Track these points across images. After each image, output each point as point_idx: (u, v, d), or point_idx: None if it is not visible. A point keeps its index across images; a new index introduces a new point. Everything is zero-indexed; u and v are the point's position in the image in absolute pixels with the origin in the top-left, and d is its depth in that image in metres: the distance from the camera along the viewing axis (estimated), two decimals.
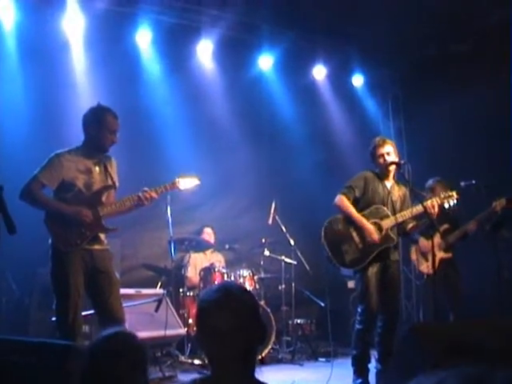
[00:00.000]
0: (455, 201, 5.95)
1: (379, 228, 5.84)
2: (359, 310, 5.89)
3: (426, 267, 7.27)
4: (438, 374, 0.92)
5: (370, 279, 5.80)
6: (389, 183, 6.05)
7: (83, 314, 5.18)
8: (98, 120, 5.17)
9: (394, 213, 5.92)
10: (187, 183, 5.47)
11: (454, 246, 7.44)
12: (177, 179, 5.41)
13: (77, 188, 5.10)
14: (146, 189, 5.25)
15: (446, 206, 5.93)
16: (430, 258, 7.29)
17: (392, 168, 5.96)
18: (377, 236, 5.80)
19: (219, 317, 2.14)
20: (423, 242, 7.18)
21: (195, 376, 6.62)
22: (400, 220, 5.87)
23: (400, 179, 6.15)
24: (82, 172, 5.14)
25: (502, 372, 0.88)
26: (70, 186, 5.09)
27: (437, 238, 7.23)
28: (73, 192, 5.09)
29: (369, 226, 5.82)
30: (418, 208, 5.75)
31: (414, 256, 7.47)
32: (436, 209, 5.77)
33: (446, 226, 7.42)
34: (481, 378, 0.87)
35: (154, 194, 5.26)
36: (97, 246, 5.16)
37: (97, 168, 5.24)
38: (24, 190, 5.03)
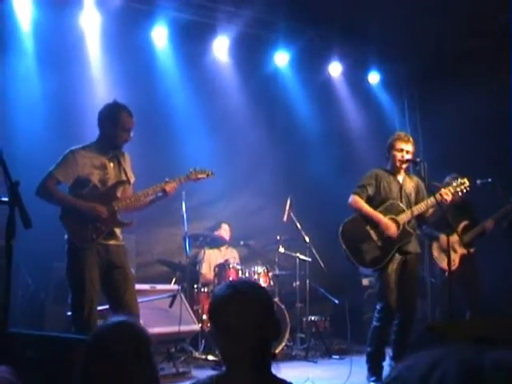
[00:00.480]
0: (468, 188, 5.94)
1: (396, 223, 5.83)
2: (378, 307, 5.87)
3: (446, 264, 7.22)
4: (432, 354, 0.92)
5: (390, 276, 5.78)
6: (400, 177, 6.05)
7: (98, 308, 5.21)
8: (112, 117, 5.21)
9: (410, 205, 5.93)
10: (201, 175, 5.57)
11: (474, 242, 7.41)
12: (192, 170, 5.50)
13: (92, 184, 5.14)
14: (167, 179, 5.31)
15: (460, 193, 5.92)
16: (451, 254, 7.29)
17: (405, 165, 5.97)
18: (395, 230, 5.79)
19: (227, 312, 2.16)
20: (444, 239, 7.14)
21: (211, 373, 6.63)
22: (416, 213, 5.86)
23: (415, 175, 6.15)
24: (96, 168, 5.18)
25: (491, 352, 0.89)
26: (85, 181, 5.13)
27: (456, 235, 7.22)
28: (88, 188, 5.13)
29: (386, 220, 5.81)
30: (433, 199, 5.75)
31: (435, 253, 7.43)
32: (450, 197, 5.77)
33: (465, 222, 7.39)
34: (474, 359, 0.88)
35: (176, 184, 5.34)
36: (112, 242, 5.20)
37: (111, 164, 5.28)
38: (40, 187, 5.08)
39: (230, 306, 2.17)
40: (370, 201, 5.96)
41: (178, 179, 5.44)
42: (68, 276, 5.09)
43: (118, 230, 5.28)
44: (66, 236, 5.08)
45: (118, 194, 5.27)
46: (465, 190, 5.97)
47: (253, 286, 2.27)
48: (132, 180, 5.43)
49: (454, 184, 5.92)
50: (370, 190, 5.97)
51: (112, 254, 5.17)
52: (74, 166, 5.11)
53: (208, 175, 5.65)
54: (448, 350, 0.91)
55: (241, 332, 2.12)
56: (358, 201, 5.93)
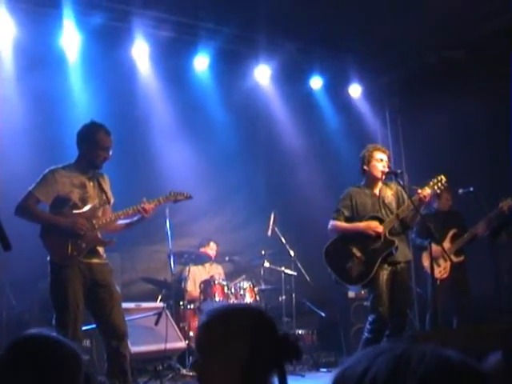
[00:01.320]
0: (445, 184, 5.97)
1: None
2: (370, 319, 5.87)
3: (437, 272, 7.24)
4: (366, 357, 0.97)
5: (381, 287, 5.80)
6: (377, 189, 6.07)
7: (84, 328, 5.18)
8: (90, 137, 5.25)
9: (392, 214, 5.95)
10: (180, 196, 5.61)
11: (464, 250, 7.45)
12: (171, 192, 5.55)
13: (72, 202, 5.14)
14: (144, 200, 5.32)
15: (438, 190, 5.97)
16: (441, 263, 7.31)
17: (384, 177, 5.99)
18: (378, 226, 5.81)
19: (197, 338, 2.16)
20: (434, 248, 7.17)
21: None
22: (401, 215, 5.88)
23: (391, 182, 6.17)
24: (76, 186, 5.19)
25: (417, 348, 0.95)
26: (65, 200, 5.13)
27: (446, 243, 7.27)
28: (68, 206, 5.14)
29: (365, 223, 5.86)
30: (413, 200, 5.76)
31: (425, 262, 7.45)
32: (428, 194, 5.80)
33: (454, 230, 7.44)
34: (403, 354, 0.93)
35: (152, 206, 5.33)
36: (95, 260, 5.19)
37: (91, 183, 5.30)
38: (19, 206, 5.08)
39: (198, 330, 2.18)
40: (349, 222, 6.03)
41: (158, 200, 5.46)
42: (51, 296, 5.08)
43: (100, 249, 5.27)
44: (48, 257, 5.06)
45: (99, 213, 5.27)
46: (442, 187, 5.99)
47: (232, 312, 2.15)
48: (111, 201, 5.43)
49: (431, 183, 5.94)
50: (347, 212, 6.02)
51: (96, 273, 5.14)
52: (54, 185, 5.12)
53: (187, 197, 5.67)
54: (382, 349, 0.96)
55: (205, 356, 2.09)
56: (337, 224, 6.00)
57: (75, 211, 5.14)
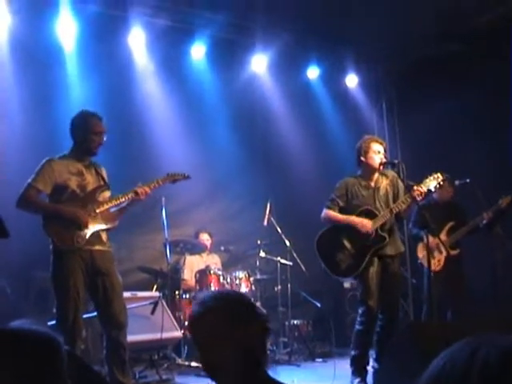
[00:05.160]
0: (442, 182, 5.96)
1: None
2: (360, 311, 5.89)
3: (432, 264, 7.24)
4: (465, 346, 0.96)
5: (371, 279, 5.80)
6: (373, 180, 6.05)
7: (85, 316, 5.19)
8: (82, 124, 5.27)
9: (389, 205, 5.94)
10: (177, 176, 5.64)
11: (460, 244, 7.45)
12: (168, 174, 5.58)
13: (70, 189, 5.15)
14: (140, 184, 5.34)
15: (433, 188, 5.94)
16: (435, 255, 7.31)
17: (381, 167, 5.97)
18: (370, 226, 5.81)
19: (195, 330, 2.24)
20: (430, 239, 7.17)
21: (195, 379, 6.65)
22: (395, 211, 5.86)
23: (387, 170, 6.15)
24: (74, 174, 5.21)
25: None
26: (63, 188, 5.14)
27: (442, 236, 7.26)
28: (67, 194, 5.14)
29: (357, 219, 5.85)
30: (408, 197, 5.76)
31: (420, 254, 7.46)
32: (424, 191, 5.77)
33: (451, 223, 7.43)
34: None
35: (147, 189, 5.34)
36: (98, 247, 5.19)
37: (88, 170, 5.31)
38: (20, 199, 5.09)
39: (198, 323, 2.21)
40: (343, 212, 6.00)
41: (156, 181, 5.48)
42: (52, 283, 5.10)
43: (104, 236, 5.28)
44: (50, 246, 5.06)
45: (99, 198, 5.27)
46: (438, 185, 5.98)
47: (226, 299, 2.26)
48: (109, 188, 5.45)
49: (427, 180, 5.93)
50: (341, 202, 6.01)
51: (97, 260, 5.15)
52: (51, 174, 5.12)
53: (184, 177, 5.68)
54: (479, 340, 0.95)
55: (207, 349, 2.18)
56: (331, 213, 5.98)
57: (75, 198, 5.14)
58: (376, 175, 6.05)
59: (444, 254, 7.28)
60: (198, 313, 2.20)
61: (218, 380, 2.21)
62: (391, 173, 6.11)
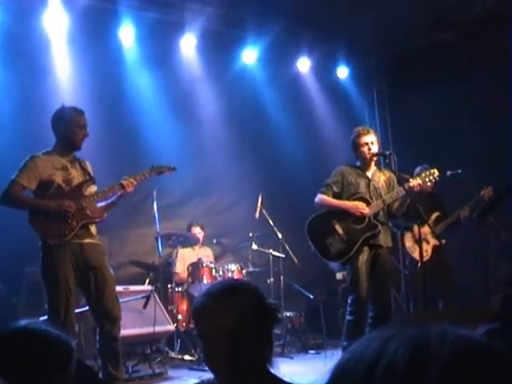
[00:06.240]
0: (437, 177, 5.99)
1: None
2: (349, 300, 5.90)
3: (418, 255, 7.25)
4: (377, 338, 0.87)
5: (359, 268, 5.82)
6: (370, 172, 6.10)
7: (77, 311, 5.18)
8: (64, 119, 5.26)
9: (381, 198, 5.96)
10: (163, 168, 5.61)
11: (445, 233, 7.46)
12: (154, 165, 5.56)
13: (56, 184, 5.13)
14: (126, 177, 5.30)
15: (429, 183, 6.01)
16: (423, 245, 7.32)
17: (375, 158, 6.01)
18: (366, 209, 5.83)
19: (200, 321, 2.19)
20: (417, 230, 7.17)
21: (188, 373, 6.65)
22: (388, 201, 5.89)
23: (386, 168, 6.20)
24: (58, 169, 5.19)
25: (435, 326, 0.85)
26: (49, 183, 5.12)
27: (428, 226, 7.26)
28: (53, 189, 5.12)
29: (350, 203, 5.88)
30: (402, 189, 5.80)
31: (408, 243, 7.46)
32: (418, 185, 5.82)
33: (437, 213, 7.44)
34: (420, 335, 0.84)
35: (134, 181, 5.31)
36: (87, 240, 5.17)
37: (72, 165, 5.29)
38: (4, 195, 5.08)
39: (204, 315, 2.16)
40: (336, 198, 6.03)
41: (142, 174, 5.45)
42: (43, 279, 5.09)
43: (93, 229, 5.27)
44: (40, 242, 5.04)
45: (85, 192, 5.26)
46: (434, 180, 6.02)
47: (232, 291, 2.17)
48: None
49: (423, 175, 5.97)
50: (336, 188, 6.03)
51: (87, 253, 5.13)
52: (35, 170, 5.10)
53: (170, 169, 5.65)
54: (394, 332, 0.86)
55: (212, 342, 2.11)
56: (324, 198, 5.99)
57: (61, 193, 5.12)
58: (373, 168, 6.11)
59: (431, 243, 7.30)
60: (207, 305, 2.13)
61: (220, 374, 2.18)
62: (389, 173, 6.15)
